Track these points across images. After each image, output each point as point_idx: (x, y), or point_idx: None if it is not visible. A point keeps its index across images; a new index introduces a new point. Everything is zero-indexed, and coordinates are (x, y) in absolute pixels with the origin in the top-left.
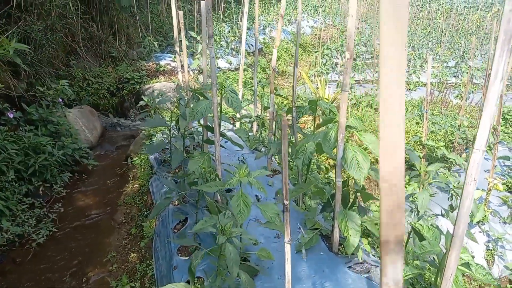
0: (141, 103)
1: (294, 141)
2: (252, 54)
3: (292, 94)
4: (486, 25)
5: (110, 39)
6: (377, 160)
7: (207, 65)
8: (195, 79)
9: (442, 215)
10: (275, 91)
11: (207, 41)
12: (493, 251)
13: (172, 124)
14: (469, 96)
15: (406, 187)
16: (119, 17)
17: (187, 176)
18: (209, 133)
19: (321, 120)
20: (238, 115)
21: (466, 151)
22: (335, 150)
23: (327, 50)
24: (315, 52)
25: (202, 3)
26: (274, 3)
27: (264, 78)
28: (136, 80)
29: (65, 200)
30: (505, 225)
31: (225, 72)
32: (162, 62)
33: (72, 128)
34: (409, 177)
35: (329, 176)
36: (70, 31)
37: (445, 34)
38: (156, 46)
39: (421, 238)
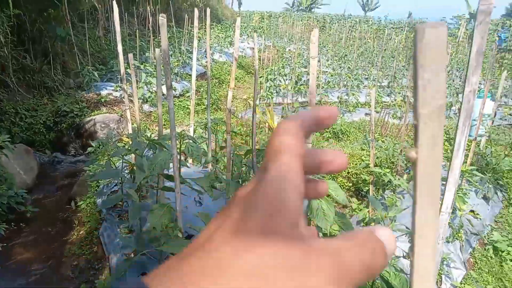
0: (89, 149)
1: None
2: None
3: (252, 139)
4: (411, 46)
5: (44, 69)
6: (337, 203)
7: (163, 113)
8: (140, 109)
9: (404, 257)
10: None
11: (166, 92)
12: (440, 271)
13: (120, 162)
14: (403, 115)
15: (357, 212)
16: (53, 44)
17: (146, 233)
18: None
19: None
20: None
21: (407, 171)
22: None
23: (271, 75)
24: (260, 77)
25: (157, 50)
26: (214, 25)
27: (210, 103)
28: (75, 113)
29: (2, 256)
30: (448, 244)
31: None
32: (104, 92)
33: (6, 173)
34: (361, 205)
35: None
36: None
37: (376, 54)
38: (96, 75)
39: (389, 285)
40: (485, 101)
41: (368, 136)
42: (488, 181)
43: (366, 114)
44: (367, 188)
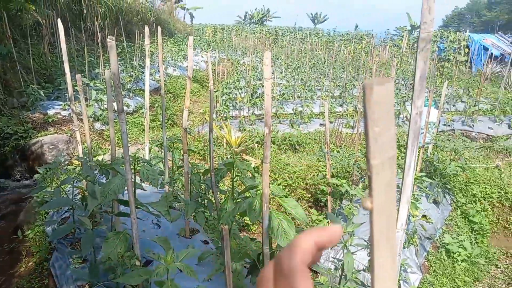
0: (36, 176)
1: (214, 201)
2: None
3: (210, 159)
4: (360, 57)
5: None
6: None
7: (116, 132)
8: (91, 127)
9: (364, 270)
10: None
11: (118, 116)
12: (398, 277)
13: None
14: (355, 125)
15: (317, 223)
16: None
17: (101, 263)
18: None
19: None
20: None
21: (362, 180)
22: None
23: (226, 89)
24: (216, 91)
25: (107, 72)
26: (166, 39)
27: (166, 118)
28: (20, 134)
29: None
30: (404, 249)
31: None
32: (51, 112)
33: None
34: (321, 216)
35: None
36: None
37: (327, 66)
38: (42, 94)
39: None
40: (429, 110)
41: (324, 147)
42: (437, 185)
43: (321, 124)
44: (325, 198)
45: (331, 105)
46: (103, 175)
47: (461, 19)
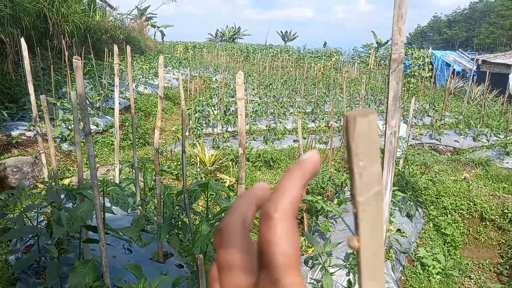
0: None
1: (188, 223)
2: (120, 111)
3: (183, 180)
4: (330, 73)
5: None
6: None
7: (84, 159)
8: (58, 148)
9: None
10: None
11: (85, 138)
12: None
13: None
14: (328, 140)
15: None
16: None
17: None
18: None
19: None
20: None
21: (336, 195)
22: None
23: (199, 106)
24: (188, 109)
25: (73, 93)
26: (137, 57)
27: (137, 137)
28: None
29: None
30: None
31: (92, 135)
32: (15, 133)
33: None
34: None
35: None
36: None
37: (299, 82)
38: (5, 114)
39: None
40: (399, 124)
41: None
42: (409, 199)
43: (294, 140)
44: (301, 215)
45: (303, 121)
46: (70, 200)
47: (423, 36)
